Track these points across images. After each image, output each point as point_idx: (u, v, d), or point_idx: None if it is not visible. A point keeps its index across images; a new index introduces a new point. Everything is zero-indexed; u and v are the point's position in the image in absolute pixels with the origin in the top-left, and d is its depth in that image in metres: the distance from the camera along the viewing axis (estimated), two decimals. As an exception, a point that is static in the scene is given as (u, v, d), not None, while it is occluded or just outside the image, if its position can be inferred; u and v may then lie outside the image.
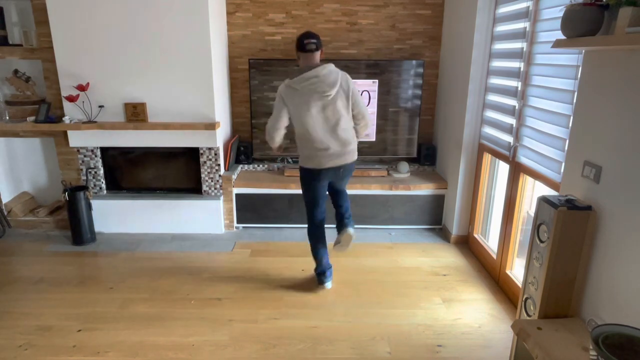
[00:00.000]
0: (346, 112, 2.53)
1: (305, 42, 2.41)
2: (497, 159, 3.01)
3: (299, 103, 2.46)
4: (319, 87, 2.40)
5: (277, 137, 2.58)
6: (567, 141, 2.02)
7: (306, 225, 2.80)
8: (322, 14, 3.72)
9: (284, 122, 2.54)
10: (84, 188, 3.40)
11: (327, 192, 2.78)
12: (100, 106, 3.35)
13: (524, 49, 2.53)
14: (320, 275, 2.77)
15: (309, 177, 2.62)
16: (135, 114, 3.34)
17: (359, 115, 2.58)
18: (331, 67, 2.45)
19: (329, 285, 2.79)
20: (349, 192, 3.59)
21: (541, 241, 1.86)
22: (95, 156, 3.54)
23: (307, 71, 2.42)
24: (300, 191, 3.59)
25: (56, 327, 2.40)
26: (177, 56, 3.24)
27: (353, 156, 2.63)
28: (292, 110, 2.50)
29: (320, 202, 2.70)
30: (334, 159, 2.55)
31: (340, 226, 2.77)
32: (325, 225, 2.80)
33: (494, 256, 2.95)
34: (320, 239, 2.75)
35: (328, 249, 2.83)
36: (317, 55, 2.47)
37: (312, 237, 2.76)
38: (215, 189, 3.60)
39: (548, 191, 2.28)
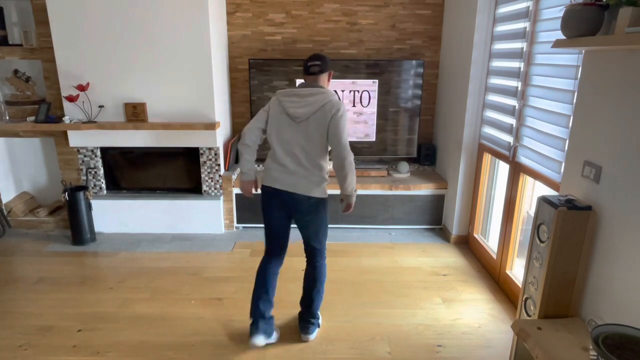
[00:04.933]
0: (316, 142, 2.12)
1: (309, 65, 2.16)
2: (497, 159, 3.01)
3: (275, 114, 2.17)
4: (290, 109, 2.11)
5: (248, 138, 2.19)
6: (567, 141, 2.02)
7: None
8: (322, 14, 3.72)
9: (260, 125, 2.20)
10: (84, 188, 3.39)
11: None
12: (100, 106, 3.35)
13: (524, 49, 2.53)
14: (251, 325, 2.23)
15: (262, 198, 2.25)
16: (135, 114, 3.34)
17: (334, 152, 2.12)
18: (320, 96, 2.10)
19: (258, 340, 2.20)
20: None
21: (541, 241, 1.86)
22: (95, 156, 3.54)
23: (300, 88, 2.16)
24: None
25: (56, 327, 2.40)
26: (177, 56, 3.24)
27: (307, 188, 2.13)
28: (270, 120, 2.19)
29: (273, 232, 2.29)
30: (283, 181, 2.15)
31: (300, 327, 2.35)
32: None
33: (494, 256, 2.95)
34: (264, 279, 2.26)
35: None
36: (321, 78, 2.17)
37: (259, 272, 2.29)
38: (215, 189, 3.60)
39: (548, 191, 2.28)
